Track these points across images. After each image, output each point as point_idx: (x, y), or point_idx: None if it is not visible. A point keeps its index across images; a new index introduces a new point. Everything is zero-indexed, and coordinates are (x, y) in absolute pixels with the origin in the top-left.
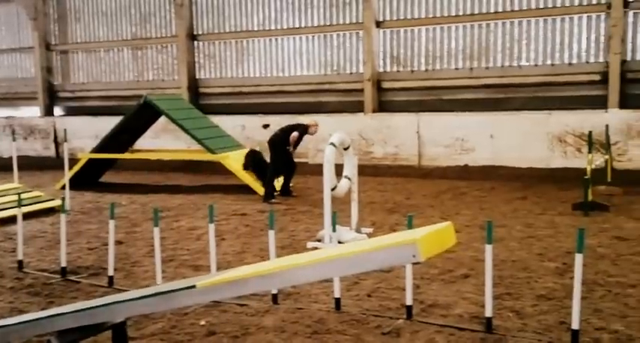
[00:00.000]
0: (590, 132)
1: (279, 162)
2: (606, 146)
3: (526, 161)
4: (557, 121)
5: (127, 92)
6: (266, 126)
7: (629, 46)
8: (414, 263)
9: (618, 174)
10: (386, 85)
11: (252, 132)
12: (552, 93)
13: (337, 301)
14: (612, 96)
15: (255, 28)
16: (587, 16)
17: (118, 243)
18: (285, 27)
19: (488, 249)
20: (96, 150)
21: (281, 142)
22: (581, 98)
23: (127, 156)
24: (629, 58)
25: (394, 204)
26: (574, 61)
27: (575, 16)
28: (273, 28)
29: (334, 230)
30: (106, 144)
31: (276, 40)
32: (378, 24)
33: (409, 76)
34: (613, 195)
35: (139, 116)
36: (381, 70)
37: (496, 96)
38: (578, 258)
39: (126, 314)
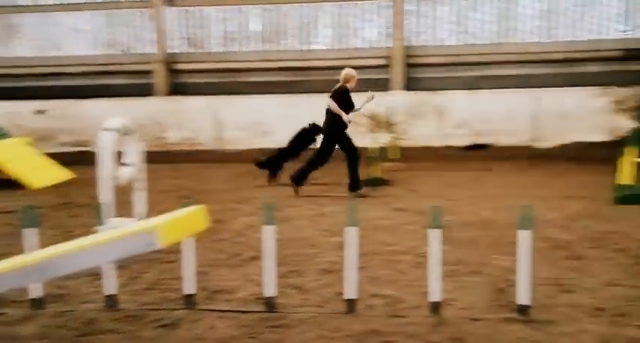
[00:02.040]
0: (376, 113)
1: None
2: (391, 125)
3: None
4: None
5: None
6: None
7: (411, 32)
8: (153, 251)
9: (403, 152)
10: (180, 66)
11: (24, 119)
12: None
13: (110, 298)
14: (397, 79)
15: (25, 3)
16: (376, 4)
17: None
18: (62, 2)
19: (269, 229)
20: None
21: (333, 126)
22: (369, 81)
23: None
24: (410, 43)
25: (188, 191)
26: (362, 45)
27: (366, 3)
28: (46, 2)
29: (106, 222)
30: None
31: (51, 15)
32: (169, 2)
33: (204, 58)
34: (398, 171)
35: None
36: (174, 51)
37: (292, 78)
38: (352, 232)
39: None
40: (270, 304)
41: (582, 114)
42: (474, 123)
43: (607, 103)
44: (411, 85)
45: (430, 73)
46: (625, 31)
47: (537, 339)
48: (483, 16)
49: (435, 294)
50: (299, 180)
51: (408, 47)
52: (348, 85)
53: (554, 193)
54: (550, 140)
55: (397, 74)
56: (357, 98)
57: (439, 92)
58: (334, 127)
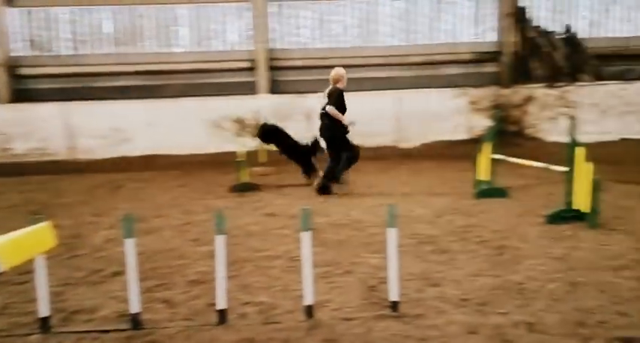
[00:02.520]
0: (242, 117)
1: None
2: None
3: (185, 148)
4: (213, 107)
5: None
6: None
7: (274, 35)
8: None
9: (271, 155)
10: (24, 71)
11: None
12: (207, 80)
13: None
14: (262, 82)
15: None
16: (235, 6)
17: None
18: None
19: (130, 242)
20: None
21: (335, 129)
22: (234, 85)
23: None
24: (274, 46)
25: (40, 205)
26: (225, 48)
27: (225, 5)
28: None
29: None
30: None
31: None
32: (9, 2)
33: (52, 62)
34: (267, 175)
35: None
36: (18, 54)
37: (151, 83)
38: (220, 240)
39: None
40: (135, 321)
41: (442, 115)
42: None
43: (464, 104)
44: (277, 88)
45: (295, 75)
46: (477, 35)
47: (408, 334)
48: (345, 20)
49: (308, 297)
50: (327, 187)
51: (271, 50)
52: (339, 85)
53: (419, 191)
54: (413, 140)
55: (262, 77)
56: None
57: (305, 95)
58: (336, 130)
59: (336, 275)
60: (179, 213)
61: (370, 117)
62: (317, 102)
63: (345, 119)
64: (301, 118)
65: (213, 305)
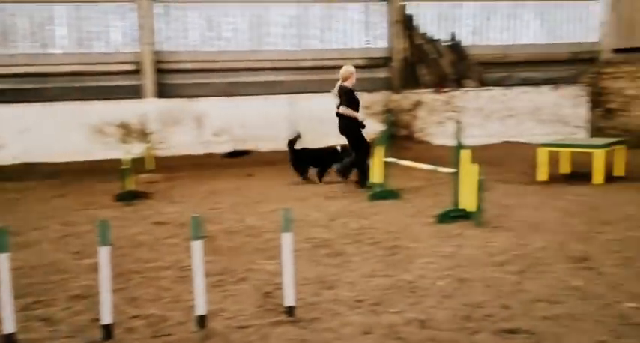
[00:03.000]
0: (127, 122)
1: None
2: (145, 135)
3: (65, 155)
4: (96, 112)
5: None
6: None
7: (160, 37)
8: None
9: (160, 161)
10: None
11: None
12: (88, 83)
13: None
14: (148, 85)
15: None
16: (118, 6)
17: None
18: None
19: (2, 258)
20: None
21: (352, 126)
22: (118, 88)
23: None
24: (160, 48)
25: None
26: (108, 50)
27: (107, 5)
28: None
29: None
30: None
31: None
32: None
33: None
34: (155, 183)
35: None
36: None
37: (26, 86)
38: (104, 251)
39: None
40: (10, 341)
41: (336, 119)
42: (233, 129)
43: None
44: (164, 91)
45: (184, 79)
46: (367, 41)
47: (304, 338)
48: (236, 23)
49: (201, 307)
50: (346, 173)
51: (158, 52)
52: (348, 83)
53: (314, 195)
54: (308, 144)
55: (148, 80)
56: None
57: (195, 99)
58: (352, 128)
59: (229, 283)
60: (59, 224)
61: (263, 122)
62: (208, 106)
63: (360, 116)
64: (191, 123)
65: (98, 320)
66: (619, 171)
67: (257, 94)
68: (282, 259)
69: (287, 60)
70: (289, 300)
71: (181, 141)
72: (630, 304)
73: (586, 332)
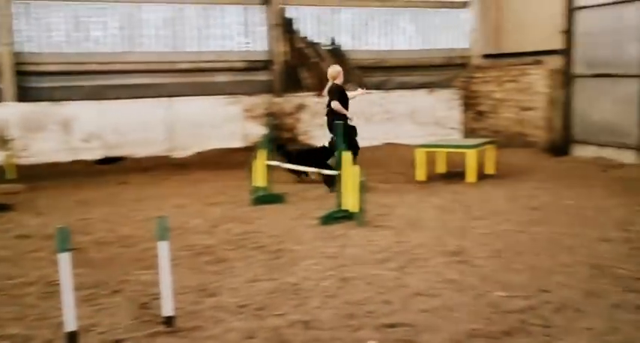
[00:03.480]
0: None
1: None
2: (5, 141)
3: None
4: None
5: None
6: None
7: (21, 37)
8: None
9: (22, 170)
10: None
11: None
12: None
13: None
14: (7, 88)
15: None
16: None
17: None
18: None
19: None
20: None
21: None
22: None
23: None
24: (21, 49)
25: None
26: None
27: None
28: None
29: None
30: None
31: None
32: None
33: None
34: (17, 193)
35: None
36: None
37: None
38: None
39: None
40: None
41: (216, 123)
42: (105, 135)
43: (238, 111)
44: (26, 95)
45: (48, 82)
46: (247, 44)
47: None
48: (106, 23)
49: (70, 323)
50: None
51: (18, 54)
52: (337, 81)
53: (196, 201)
54: (187, 148)
55: (7, 83)
56: None
57: (61, 103)
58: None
59: (102, 296)
60: None
61: (140, 127)
62: (76, 110)
63: (348, 113)
64: (57, 129)
65: None
66: (490, 169)
67: (131, 98)
68: (159, 268)
69: (162, 62)
70: (167, 310)
71: (46, 148)
72: (500, 293)
73: (461, 322)
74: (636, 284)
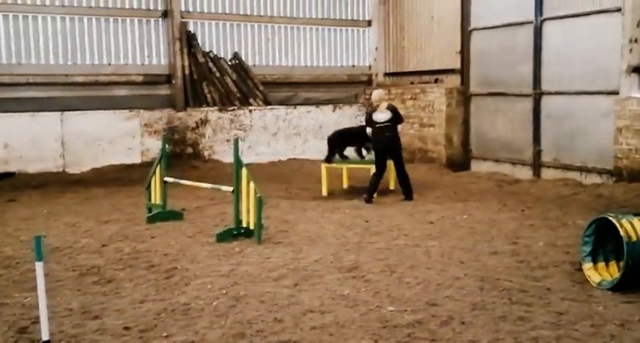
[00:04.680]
0: None
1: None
2: None
3: None
4: None
5: None
6: None
7: None
8: None
9: None
10: None
11: None
12: None
13: None
14: None
15: None
16: None
17: None
18: None
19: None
20: None
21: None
22: None
23: None
24: None
25: None
26: None
27: None
28: None
29: None
30: None
31: None
32: None
33: None
34: None
35: None
36: None
37: None
38: None
39: None
40: None
41: (114, 138)
42: None
43: (137, 126)
44: None
45: None
46: (147, 57)
47: None
48: None
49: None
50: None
51: None
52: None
53: (89, 219)
54: (83, 164)
55: None
56: None
57: None
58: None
59: None
60: None
61: (30, 141)
62: None
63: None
64: None
65: None
66: (391, 184)
67: (22, 111)
68: (38, 289)
69: (56, 74)
70: (45, 334)
71: None
72: (391, 308)
73: (350, 338)
74: (521, 296)
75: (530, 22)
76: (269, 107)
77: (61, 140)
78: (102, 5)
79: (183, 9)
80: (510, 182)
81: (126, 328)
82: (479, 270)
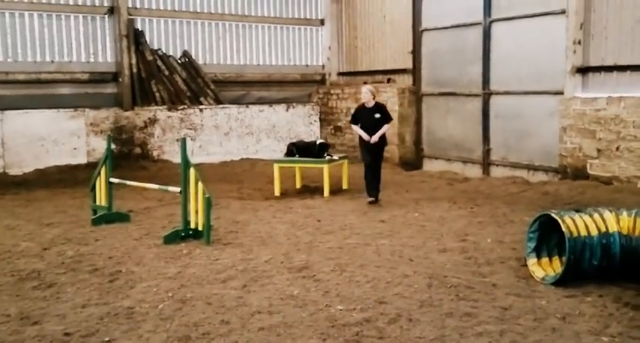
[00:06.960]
0: None
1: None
2: None
3: None
4: None
5: None
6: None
7: None
8: None
9: None
10: None
11: None
12: None
13: None
14: None
15: None
16: None
17: None
18: None
19: None
20: None
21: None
22: None
23: None
24: None
25: None
26: None
27: None
28: None
29: None
30: None
31: None
32: None
33: None
34: None
35: None
36: None
37: None
38: None
39: None
40: None
41: (58, 138)
42: None
43: (82, 125)
44: None
45: None
46: (92, 55)
47: None
48: None
49: None
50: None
51: None
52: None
53: (30, 221)
54: (25, 166)
55: None
56: None
57: None
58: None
59: None
60: None
61: None
62: None
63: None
64: None
65: None
66: (345, 183)
67: None
68: None
69: None
70: None
71: None
72: (340, 307)
73: (297, 338)
74: (468, 292)
75: (479, 23)
76: (220, 106)
77: (1, 140)
78: (44, 1)
79: (130, 5)
80: (461, 180)
81: (66, 334)
82: (428, 268)
